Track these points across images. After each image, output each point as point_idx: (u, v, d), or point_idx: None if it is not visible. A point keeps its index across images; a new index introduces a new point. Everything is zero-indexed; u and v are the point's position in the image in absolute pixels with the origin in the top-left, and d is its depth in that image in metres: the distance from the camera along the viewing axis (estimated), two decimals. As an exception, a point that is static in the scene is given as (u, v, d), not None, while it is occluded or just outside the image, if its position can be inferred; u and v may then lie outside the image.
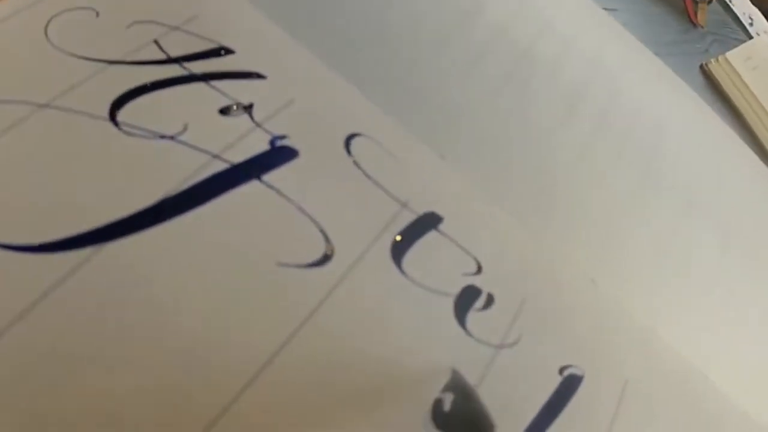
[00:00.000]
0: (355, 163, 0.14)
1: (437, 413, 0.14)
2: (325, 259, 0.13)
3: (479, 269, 0.15)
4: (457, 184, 0.15)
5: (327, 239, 0.13)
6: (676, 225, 0.21)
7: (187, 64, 0.14)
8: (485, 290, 0.15)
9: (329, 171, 0.14)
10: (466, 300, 0.14)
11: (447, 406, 0.14)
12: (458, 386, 0.15)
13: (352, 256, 0.13)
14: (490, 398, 0.13)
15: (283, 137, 0.14)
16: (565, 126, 0.19)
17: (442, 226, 0.15)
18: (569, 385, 0.15)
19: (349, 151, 0.14)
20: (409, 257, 0.14)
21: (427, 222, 0.14)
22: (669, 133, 0.24)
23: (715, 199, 0.23)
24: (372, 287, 0.13)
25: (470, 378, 0.13)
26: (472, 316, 0.14)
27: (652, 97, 0.25)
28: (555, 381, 0.15)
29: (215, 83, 0.14)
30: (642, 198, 0.20)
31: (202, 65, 0.14)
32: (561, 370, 0.15)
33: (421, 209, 0.14)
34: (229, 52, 0.15)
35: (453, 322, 0.14)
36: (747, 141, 0.32)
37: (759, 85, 0.34)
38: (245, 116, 0.14)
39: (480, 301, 0.14)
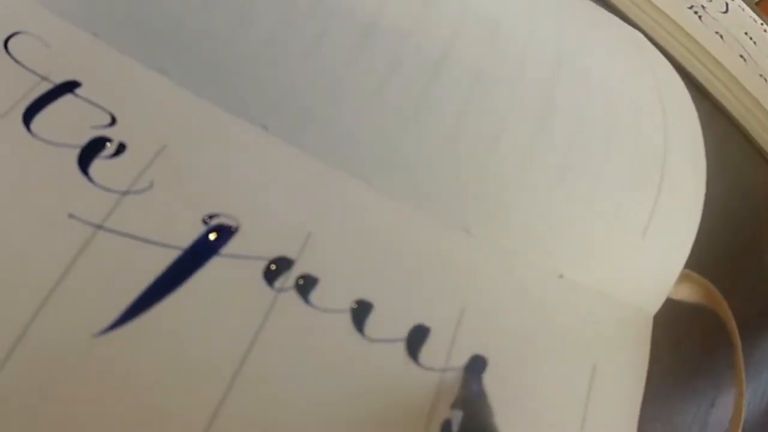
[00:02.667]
0: (9, 54, 0.16)
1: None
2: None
3: (113, 121, 0.16)
4: (103, 55, 0.16)
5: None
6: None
7: None
8: (116, 139, 0.15)
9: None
10: (92, 149, 0.15)
11: (456, 426, 0.14)
12: (468, 403, 0.15)
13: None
14: (111, 249, 0.14)
15: None
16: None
17: (78, 90, 0.16)
18: (219, 235, 0.15)
19: (6, 47, 0.16)
20: (39, 119, 0.15)
21: (63, 88, 0.16)
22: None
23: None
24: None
25: (89, 222, 0.14)
26: (98, 165, 0.15)
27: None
28: (196, 230, 0.15)
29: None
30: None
31: None
32: (206, 219, 0.15)
33: (60, 79, 0.16)
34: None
35: (75, 170, 0.15)
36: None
37: None
38: None
39: (108, 150, 0.15)
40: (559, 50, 0.21)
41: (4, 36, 0.16)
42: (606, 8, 0.30)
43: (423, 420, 0.15)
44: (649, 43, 0.28)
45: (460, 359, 0.16)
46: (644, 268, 0.19)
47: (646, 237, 0.19)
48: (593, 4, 0.28)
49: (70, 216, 0.14)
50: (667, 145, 0.20)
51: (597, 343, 0.18)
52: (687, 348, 0.22)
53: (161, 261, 0.15)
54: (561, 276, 0.18)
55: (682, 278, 0.20)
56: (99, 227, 0.14)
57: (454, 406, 0.15)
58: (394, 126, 0.17)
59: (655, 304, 0.19)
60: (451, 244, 0.17)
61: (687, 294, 0.21)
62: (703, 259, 0.21)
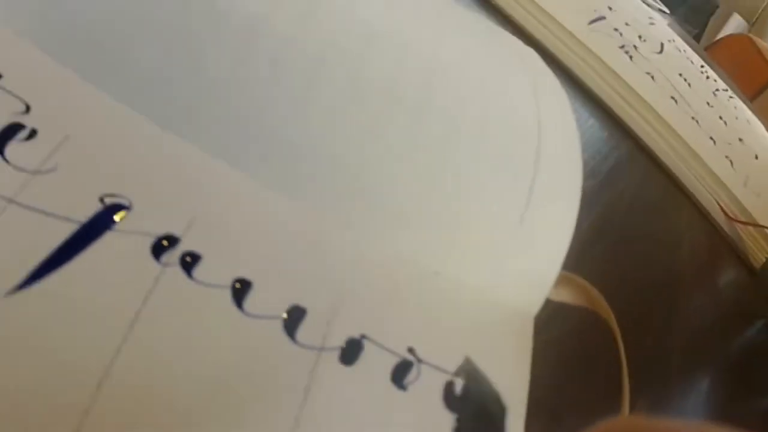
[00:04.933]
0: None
1: (449, 396, 0.16)
2: None
3: (27, 110, 0.18)
4: (23, 50, 0.18)
5: None
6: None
7: None
8: (29, 126, 0.17)
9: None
10: (7, 133, 0.17)
11: (458, 389, 0.16)
12: (469, 370, 0.17)
13: None
14: (20, 221, 0.16)
15: None
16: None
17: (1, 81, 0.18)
18: (109, 212, 0.17)
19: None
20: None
21: None
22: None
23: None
24: None
25: (2, 196, 0.16)
26: (13, 146, 0.17)
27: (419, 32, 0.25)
28: (93, 207, 0.17)
29: None
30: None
31: None
32: (102, 198, 0.17)
33: (-18, 71, 0.18)
34: None
35: (-9, 152, 0.17)
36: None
37: None
38: None
39: (22, 134, 0.17)
40: (436, 53, 0.23)
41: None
42: (527, 42, 0.32)
43: (299, 396, 0.17)
44: (533, 53, 0.30)
45: (337, 342, 0.18)
46: (519, 266, 0.21)
47: (519, 236, 0.21)
48: (480, 18, 0.29)
49: (-16, 190, 0.16)
50: (542, 138, 0.22)
51: (473, 337, 0.20)
52: (569, 350, 0.23)
53: (63, 233, 0.16)
54: (436, 273, 0.20)
55: (562, 280, 0.21)
56: (11, 201, 0.16)
57: (458, 373, 0.17)
58: (277, 119, 0.19)
59: (535, 304, 0.21)
60: (330, 235, 0.19)
61: (567, 296, 0.22)
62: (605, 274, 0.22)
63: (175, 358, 0.16)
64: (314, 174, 0.19)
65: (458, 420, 0.16)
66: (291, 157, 0.19)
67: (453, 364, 0.19)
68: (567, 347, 0.23)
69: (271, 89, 0.20)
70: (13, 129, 0.17)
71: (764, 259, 0.35)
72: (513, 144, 0.22)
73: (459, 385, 0.16)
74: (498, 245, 0.21)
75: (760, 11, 1.59)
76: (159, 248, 0.17)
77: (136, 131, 0.18)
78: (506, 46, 0.28)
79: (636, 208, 0.25)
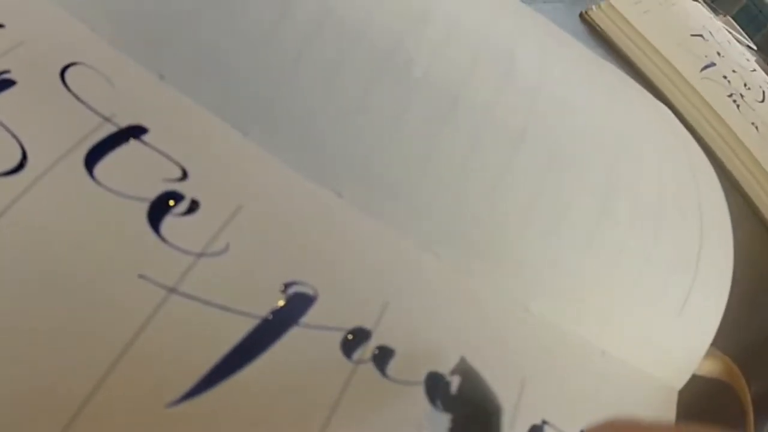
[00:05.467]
0: (66, 86, 0.15)
1: (445, 395, 0.15)
2: (19, 167, 0.14)
3: (184, 175, 0.15)
4: (172, 100, 0.15)
5: (24, 152, 0.14)
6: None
7: None
8: (189, 196, 0.14)
9: (40, 95, 0.15)
10: (162, 205, 0.14)
11: (454, 388, 0.15)
12: (465, 369, 0.15)
13: (44, 166, 0.14)
14: (184, 314, 0.13)
15: (7, 71, 0.15)
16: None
17: (145, 137, 0.15)
18: (294, 305, 0.14)
19: (63, 78, 0.15)
20: (103, 166, 0.14)
21: (129, 133, 0.14)
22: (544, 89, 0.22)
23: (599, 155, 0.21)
24: (60, 194, 0.14)
25: (162, 284, 0.13)
26: (170, 222, 0.14)
27: (525, 52, 0.23)
28: (275, 298, 0.14)
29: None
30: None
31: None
32: (285, 287, 0.15)
33: (125, 123, 0.15)
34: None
35: (145, 227, 0.14)
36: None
37: (652, 30, 0.30)
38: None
39: (181, 207, 0.14)
40: (615, 131, 0.21)
41: (61, 65, 0.15)
42: (644, 85, 0.30)
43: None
44: (676, 119, 0.29)
45: (522, 428, 0.16)
46: (676, 346, 0.20)
47: (681, 316, 0.20)
48: (627, 78, 0.28)
49: (141, 276, 0.13)
50: (703, 226, 0.21)
51: (635, 415, 0.19)
52: (704, 420, 0.23)
53: (238, 329, 0.14)
54: (604, 353, 0.19)
55: (707, 355, 0.21)
56: (172, 290, 0.13)
57: (454, 372, 0.15)
58: (470, 203, 0.17)
59: (682, 380, 0.20)
60: (512, 320, 0.17)
61: (709, 370, 0.21)
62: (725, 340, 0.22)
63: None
64: (501, 258, 0.17)
65: (453, 419, 0.15)
66: (479, 242, 0.17)
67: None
68: (700, 412, 0.22)
69: (467, 166, 0.17)
70: (168, 200, 0.14)
71: None
72: (681, 235, 0.20)
73: (455, 384, 0.15)
74: (657, 333, 0.19)
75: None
76: (349, 343, 0.14)
77: (316, 205, 0.16)
78: (662, 116, 0.27)
79: (750, 269, 0.24)
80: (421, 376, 0.15)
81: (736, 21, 0.52)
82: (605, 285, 0.19)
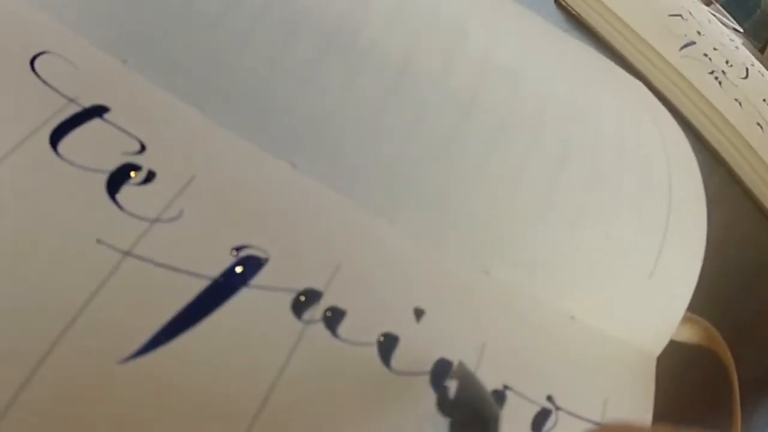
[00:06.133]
0: (35, 72, 0.16)
1: (443, 400, 0.15)
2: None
3: (143, 148, 0.16)
4: (133, 82, 0.16)
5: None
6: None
7: None
8: (146, 167, 0.15)
9: (10, 81, 0.16)
10: (120, 176, 0.15)
11: (452, 393, 0.15)
12: (463, 374, 0.16)
13: (12, 144, 0.15)
14: (139, 276, 0.14)
15: None
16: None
17: (107, 115, 0.16)
18: (245, 267, 0.15)
19: (32, 66, 0.16)
20: (67, 142, 0.15)
21: (92, 112, 0.16)
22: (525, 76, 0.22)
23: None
24: (26, 168, 0.15)
25: (117, 248, 0.14)
26: (127, 191, 0.15)
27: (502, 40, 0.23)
28: (226, 261, 0.15)
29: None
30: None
31: None
32: (236, 251, 0.15)
33: (89, 103, 0.16)
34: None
35: (104, 195, 0.15)
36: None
37: (629, 12, 0.31)
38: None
39: (138, 177, 0.15)
40: (574, 99, 0.22)
41: (30, 55, 0.16)
42: (624, 68, 0.31)
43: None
44: (649, 93, 0.29)
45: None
46: (650, 310, 0.20)
47: (652, 279, 0.20)
48: (597, 54, 0.29)
49: (98, 242, 0.14)
50: (672, 191, 0.21)
51: (607, 382, 0.19)
52: (687, 389, 0.22)
53: (190, 290, 0.14)
54: (573, 318, 0.19)
55: (684, 320, 0.21)
56: (127, 254, 0.14)
57: (452, 376, 0.16)
58: (421, 168, 0.18)
59: (659, 346, 0.20)
60: (471, 283, 0.18)
61: (688, 335, 0.21)
62: (706, 305, 0.22)
63: (319, 423, 0.14)
64: (455, 221, 0.18)
65: (451, 424, 0.15)
66: (432, 205, 0.18)
67: (589, 410, 0.18)
68: (683, 381, 0.22)
69: (417, 132, 0.18)
70: (127, 171, 0.15)
71: None
72: (646, 198, 0.21)
73: (453, 389, 0.15)
74: (628, 296, 0.20)
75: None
76: (300, 304, 0.15)
77: (269, 173, 0.16)
78: (628, 86, 0.27)
79: (732, 240, 0.24)
80: (374, 337, 0.16)
81: (725, 9, 0.51)
82: (566, 248, 0.19)
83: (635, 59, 0.33)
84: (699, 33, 0.35)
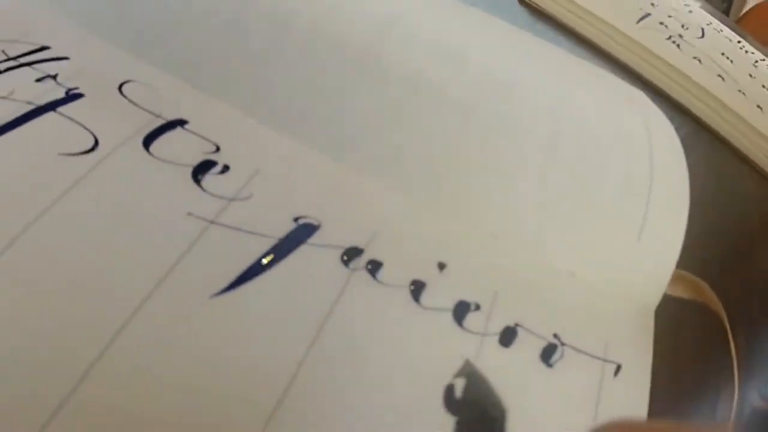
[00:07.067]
0: (123, 95, 0.20)
1: (449, 398, 0.17)
2: (93, 149, 0.19)
3: (218, 149, 0.20)
4: (204, 101, 0.21)
5: (96, 139, 0.19)
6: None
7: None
8: (221, 162, 0.20)
9: (104, 103, 0.20)
10: (202, 169, 0.19)
11: (459, 391, 0.17)
12: (470, 372, 0.17)
13: (112, 146, 0.19)
14: (221, 238, 0.18)
15: (76, 88, 0.20)
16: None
17: (187, 126, 0.20)
18: (303, 230, 0.19)
19: (121, 91, 0.21)
20: (157, 145, 0.19)
21: (174, 123, 0.20)
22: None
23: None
24: (125, 164, 0.19)
25: (204, 218, 0.18)
26: (208, 179, 0.19)
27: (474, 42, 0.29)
28: (288, 226, 0.19)
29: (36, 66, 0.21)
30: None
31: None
32: (295, 219, 0.19)
33: (171, 117, 0.20)
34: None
35: (190, 182, 0.19)
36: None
37: None
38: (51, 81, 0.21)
39: (216, 169, 0.20)
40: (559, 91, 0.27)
41: (118, 83, 0.21)
42: (593, 50, 0.36)
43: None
44: (623, 82, 0.34)
45: (496, 329, 0.20)
46: (642, 266, 0.23)
47: (641, 239, 0.24)
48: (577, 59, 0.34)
49: (189, 214, 0.18)
50: (653, 158, 0.26)
51: (608, 328, 0.22)
52: (686, 344, 0.24)
53: (261, 246, 0.18)
54: (573, 274, 0.23)
55: (676, 278, 0.24)
56: (212, 222, 0.18)
57: (459, 374, 0.17)
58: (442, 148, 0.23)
59: (655, 298, 0.23)
60: (482, 245, 0.22)
61: (681, 291, 0.25)
62: (697, 261, 0.24)
63: (365, 349, 0.18)
64: (467, 193, 0.23)
65: (458, 423, 0.16)
66: (442, 179, 0.23)
67: (591, 347, 0.21)
68: (681, 336, 0.25)
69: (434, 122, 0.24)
70: (207, 165, 0.19)
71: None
72: (630, 165, 0.25)
73: (459, 387, 0.17)
74: (620, 255, 0.23)
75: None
76: (347, 257, 0.19)
77: (318, 165, 0.21)
78: (601, 73, 0.33)
79: (708, 185, 0.27)
80: (407, 282, 0.19)
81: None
82: (563, 214, 0.23)
83: (599, 39, 0.37)
84: (653, 5, 0.40)
